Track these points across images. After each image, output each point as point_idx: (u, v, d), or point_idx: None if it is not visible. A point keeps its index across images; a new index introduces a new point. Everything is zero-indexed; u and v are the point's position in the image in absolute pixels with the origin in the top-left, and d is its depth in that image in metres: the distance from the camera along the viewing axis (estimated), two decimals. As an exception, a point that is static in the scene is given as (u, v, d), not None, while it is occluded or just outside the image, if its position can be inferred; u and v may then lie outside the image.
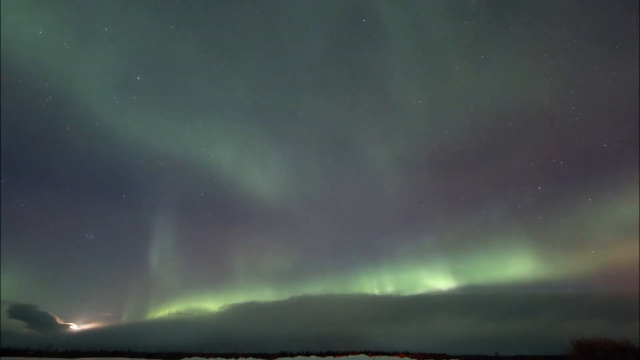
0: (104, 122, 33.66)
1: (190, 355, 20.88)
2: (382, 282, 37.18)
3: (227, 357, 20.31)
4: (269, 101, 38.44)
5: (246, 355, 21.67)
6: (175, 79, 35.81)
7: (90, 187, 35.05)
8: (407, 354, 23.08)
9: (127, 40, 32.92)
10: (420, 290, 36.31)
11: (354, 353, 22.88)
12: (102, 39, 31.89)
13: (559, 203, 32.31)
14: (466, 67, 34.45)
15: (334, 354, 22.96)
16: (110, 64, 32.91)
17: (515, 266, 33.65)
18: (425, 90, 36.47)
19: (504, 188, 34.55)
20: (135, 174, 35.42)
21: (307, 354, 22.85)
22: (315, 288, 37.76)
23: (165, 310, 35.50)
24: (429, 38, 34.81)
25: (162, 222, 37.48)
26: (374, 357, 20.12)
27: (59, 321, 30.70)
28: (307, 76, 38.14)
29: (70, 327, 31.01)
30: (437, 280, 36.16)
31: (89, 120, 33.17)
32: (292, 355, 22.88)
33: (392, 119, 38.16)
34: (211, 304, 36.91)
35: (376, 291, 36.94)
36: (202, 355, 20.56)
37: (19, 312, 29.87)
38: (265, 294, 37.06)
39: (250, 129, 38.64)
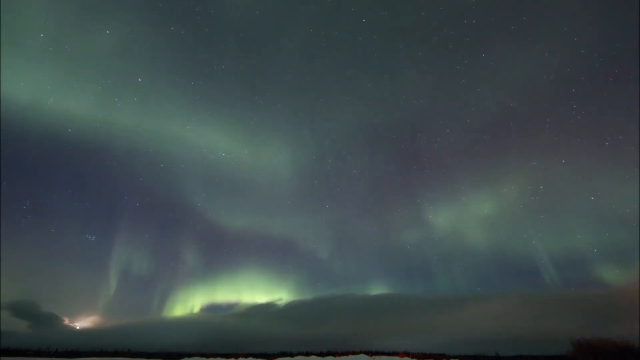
0: (105, 123, 33.82)
1: (190, 355, 20.92)
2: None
3: (227, 357, 20.33)
4: (269, 101, 38.56)
5: (246, 355, 21.68)
6: (176, 80, 35.92)
7: (91, 189, 35.23)
8: (407, 354, 23.03)
9: (128, 42, 33.10)
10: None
11: (354, 353, 22.86)
12: (103, 41, 32.07)
13: (560, 201, 32.25)
14: (466, 67, 34.52)
15: (334, 354, 22.95)
16: (112, 65, 33.11)
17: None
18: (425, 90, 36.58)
19: (505, 186, 34.50)
20: (136, 175, 35.59)
21: (307, 354, 22.85)
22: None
23: (167, 311, 35.62)
24: (429, 38, 34.84)
25: (164, 223, 37.63)
26: (374, 357, 20.08)
27: (65, 321, 30.91)
28: (307, 76, 38.18)
29: (74, 326, 31.20)
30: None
31: (91, 122, 33.30)
32: (292, 355, 22.89)
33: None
34: (214, 305, 37.20)
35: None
36: (202, 355, 20.59)
37: (22, 311, 30.02)
38: (283, 296, 37.67)
39: (251, 129, 38.74)
